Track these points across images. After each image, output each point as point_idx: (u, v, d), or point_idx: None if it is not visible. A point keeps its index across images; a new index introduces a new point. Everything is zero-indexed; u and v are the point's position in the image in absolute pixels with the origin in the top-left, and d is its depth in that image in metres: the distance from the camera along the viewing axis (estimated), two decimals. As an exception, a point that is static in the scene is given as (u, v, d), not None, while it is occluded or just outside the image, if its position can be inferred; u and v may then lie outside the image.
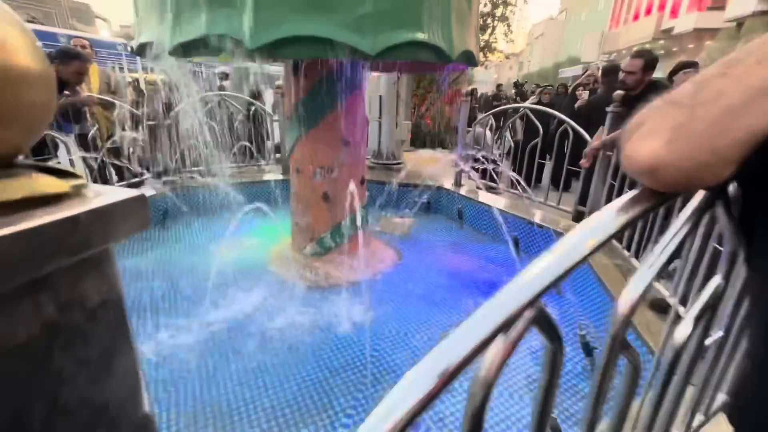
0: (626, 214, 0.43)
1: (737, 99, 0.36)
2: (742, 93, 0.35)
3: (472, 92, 4.00)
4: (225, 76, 5.93)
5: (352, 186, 2.29)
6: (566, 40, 32.47)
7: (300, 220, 2.62)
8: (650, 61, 2.49)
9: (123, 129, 2.81)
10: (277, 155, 4.13)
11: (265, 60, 1.60)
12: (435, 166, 4.54)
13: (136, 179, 3.07)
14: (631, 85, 2.52)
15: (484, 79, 18.82)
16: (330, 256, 2.58)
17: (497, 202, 3.21)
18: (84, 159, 2.43)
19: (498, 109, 3.76)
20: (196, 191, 3.15)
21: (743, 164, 0.37)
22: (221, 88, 5.23)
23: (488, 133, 4.01)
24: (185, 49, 1.54)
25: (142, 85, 4.41)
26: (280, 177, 3.66)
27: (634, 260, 2.12)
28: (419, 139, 6.71)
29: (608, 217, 0.43)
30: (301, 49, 1.51)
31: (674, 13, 17.33)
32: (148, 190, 3.00)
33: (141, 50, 1.70)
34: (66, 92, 2.54)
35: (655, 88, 2.62)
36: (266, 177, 3.62)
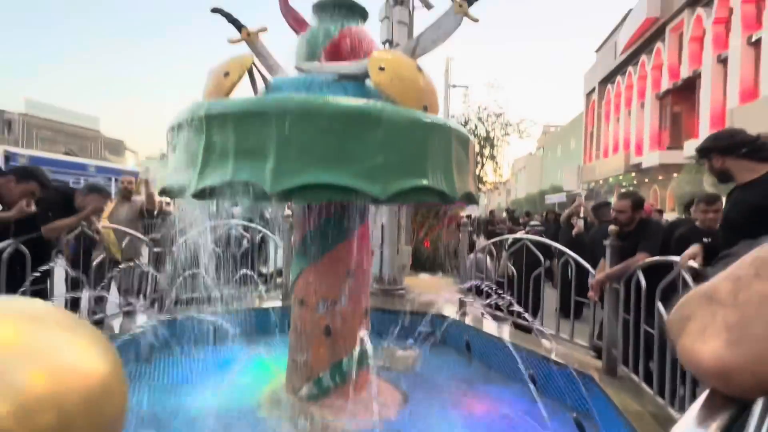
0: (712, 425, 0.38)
1: None
2: None
3: (469, 217, 4.23)
4: (236, 203, 6.32)
5: (363, 332, 2.19)
6: (546, 171, 36.14)
7: (298, 356, 2.43)
8: (637, 201, 2.70)
9: (129, 259, 2.84)
10: (278, 279, 4.10)
11: (282, 202, 1.70)
12: (437, 291, 4.47)
13: (128, 308, 2.96)
14: (624, 223, 2.67)
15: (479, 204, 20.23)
16: (328, 399, 2.31)
17: (505, 332, 3.05)
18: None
19: (498, 238, 3.89)
20: (190, 321, 3.01)
21: None
22: (231, 215, 5.52)
23: (488, 260, 4.07)
24: (209, 193, 1.65)
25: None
26: (279, 304, 3.55)
27: (670, 409, 1.89)
28: (419, 263, 6.79)
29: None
30: (318, 195, 1.62)
31: (639, 150, 19.67)
32: (136, 321, 2.88)
33: (167, 192, 1.81)
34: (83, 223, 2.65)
35: (648, 224, 2.78)
36: (265, 305, 3.51)
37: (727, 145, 1.93)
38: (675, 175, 15.72)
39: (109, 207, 3.26)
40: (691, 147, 15.14)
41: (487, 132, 8.57)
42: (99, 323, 2.84)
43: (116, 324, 2.97)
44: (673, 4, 16.75)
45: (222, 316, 2.93)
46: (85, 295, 2.72)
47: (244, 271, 3.77)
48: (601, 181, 23.62)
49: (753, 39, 12.63)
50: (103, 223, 2.88)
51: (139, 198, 3.76)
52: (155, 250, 3.09)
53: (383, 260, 4.64)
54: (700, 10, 15.18)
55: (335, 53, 2.25)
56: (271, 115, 1.59)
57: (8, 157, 10.56)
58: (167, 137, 1.99)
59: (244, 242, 4.12)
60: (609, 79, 24.03)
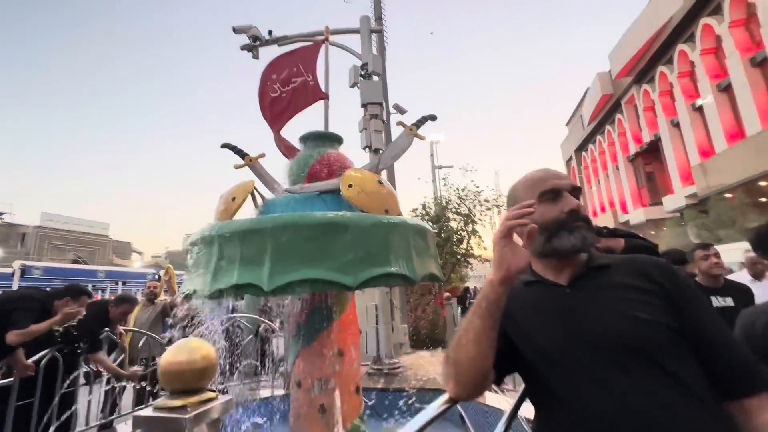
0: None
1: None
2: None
3: (466, 289, 4.60)
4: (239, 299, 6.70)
5: (337, 398, 2.48)
6: (544, 236, 36.60)
7: (298, 437, 2.64)
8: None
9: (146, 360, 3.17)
10: (281, 369, 4.31)
11: (277, 297, 2.15)
12: (434, 367, 4.63)
13: (144, 406, 3.20)
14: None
15: (476, 274, 20.42)
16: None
17: (497, 400, 3.24)
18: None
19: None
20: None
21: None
22: (234, 309, 5.87)
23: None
24: (219, 293, 2.12)
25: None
26: (282, 392, 3.75)
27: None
28: (419, 341, 6.92)
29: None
30: (304, 287, 2.08)
31: (624, 208, 20.53)
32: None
33: (188, 296, 2.28)
34: (107, 328, 3.05)
35: None
36: (267, 393, 3.71)
37: None
38: (665, 228, 16.27)
39: (135, 311, 3.67)
40: (669, 202, 15.96)
41: (469, 209, 9.36)
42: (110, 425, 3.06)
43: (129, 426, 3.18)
44: (623, 83, 19.07)
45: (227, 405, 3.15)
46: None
47: (249, 361, 4.03)
48: (596, 241, 24.06)
49: (696, 105, 14.23)
50: (128, 326, 3.27)
51: (161, 300, 4.16)
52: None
53: (379, 339, 4.88)
54: (645, 86, 17.27)
55: (317, 174, 2.90)
56: (266, 231, 2.13)
57: (24, 270, 11.14)
58: (188, 251, 2.52)
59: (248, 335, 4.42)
60: (582, 147, 26.03)
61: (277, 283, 2.03)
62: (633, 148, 19.14)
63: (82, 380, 3.03)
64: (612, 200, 22.07)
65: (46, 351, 2.69)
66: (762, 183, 11.13)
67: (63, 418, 2.70)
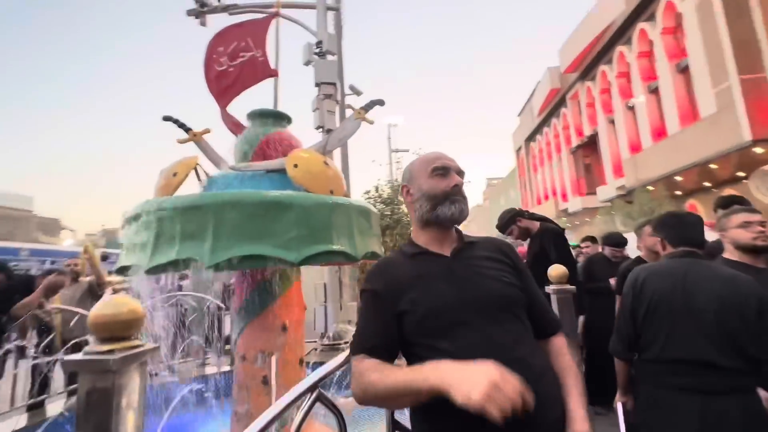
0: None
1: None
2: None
3: None
4: (183, 276, 6.50)
5: (274, 363, 2.60)
6: (493, 221, 38.53)
7: (240, 408, 2.74)
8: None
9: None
10: (227, 347, 4.33)
11: (220, 272, 2.20)
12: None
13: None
14: None
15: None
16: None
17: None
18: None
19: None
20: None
21: None
22: (180, 288, 5.71)
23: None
24: (159, 269, 2.12)
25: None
26: (227, 368, 3.79)
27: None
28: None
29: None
30: (246, 263, 2.14)
31: (564, 197, 22.14)
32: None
33: (122, 270, 2.25)
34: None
35: None
36: (212, 370, 3.74)
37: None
38: (597, 216, 17.83)
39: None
40: (602, 192, 17.45)
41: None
42: (40, 404, 2.95)
43: (60, 405, 3.07)
44: (569, 78, 20.23)
45: (175, 383, 3.16)
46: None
47: (193, 338, 4.01)
48: (539, 227, 25.82)
49: (630, 104, 15.53)
50: (55, 305, 3.11)
51: (86, 278, 3.98)
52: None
53: (327, 316, 5.03)
54: (588, 83, 18.47)
55: (264, 152, 2.91)
56: (209, 207, 2.15)
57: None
58: (122, 225, 2.46)
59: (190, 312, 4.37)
60: (531, 137, 27.46)
61: (219, 259, 2.07)
62: (575, 141, 20.57)
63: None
64: (555, 189, 23.69)
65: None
66: (678, 178, 12.54)
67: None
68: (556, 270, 1.63)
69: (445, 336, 0.90)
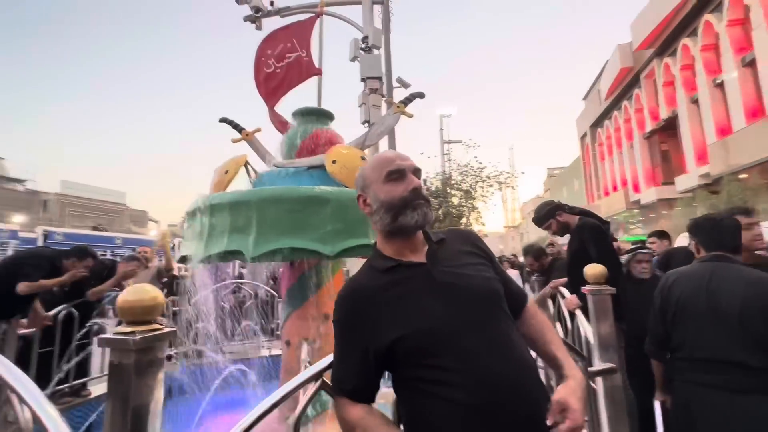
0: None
1: None
2: None
3: None
4: (244, 264, 7.04)
5: (305, 353, 2.72)
6: (554, 214, 36.31)
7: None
8: (536, 253, 3.47)
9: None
10: (278, 333, 4.63)
11: (263, 262, 2.36)
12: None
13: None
14: (539, 271, 3.40)
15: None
16: (311, 426, 2.77)
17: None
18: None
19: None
20: (201, 368, 3.55)
21: None
22: (240, 276, 6.20)
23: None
24: (211, 258, 2.33)
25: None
26: (278, 352, 4.07)
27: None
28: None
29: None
30: (286, 255, 2.28)
31: (636, 188, 20.16)
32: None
33: (183, 259, 2.51)
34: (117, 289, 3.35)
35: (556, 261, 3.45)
36: (264, 353, 4.04)
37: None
38: (677, 209, 16.04)
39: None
40: (682, 181, 15.64)
41: (470, 185, 9.42)
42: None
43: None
44: (643, 55, 18.23)
45: (228, 361, 3.47)
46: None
47: (248, 322, 4.35)
48: (607, 218, 23.87)
49: (717, 81, 13.63)
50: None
51: (155, 264, 4.46)
52: (173, 309, 3.73)
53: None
54: (667, 59, 16.50)
55: (306, 149, 3.04)
56: (253, 203, 2.31)
57: (46, 235, 11.75)
58: (184, 219, 2.73)
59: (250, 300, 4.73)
60: (598, 123, 25.28)
61: (261, 251, 2.23)
62: (649, 125, 18.56)
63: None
64: (624, 179, 21.64)
65: (62, 306, 3.00)
66: (779, 164, 10.83)
67: (72, 363, 3.04)
68: (593, 269, 1.50)
69: (442, 352, 0.84)
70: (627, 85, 20.50)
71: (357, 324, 0.91)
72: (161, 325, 0.80)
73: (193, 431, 2.79)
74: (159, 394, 0.78)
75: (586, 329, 1.46)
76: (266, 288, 4.77)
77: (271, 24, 6.22)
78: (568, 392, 0.82)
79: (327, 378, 0.96)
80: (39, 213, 32.82)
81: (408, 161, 0.99)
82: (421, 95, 3.10)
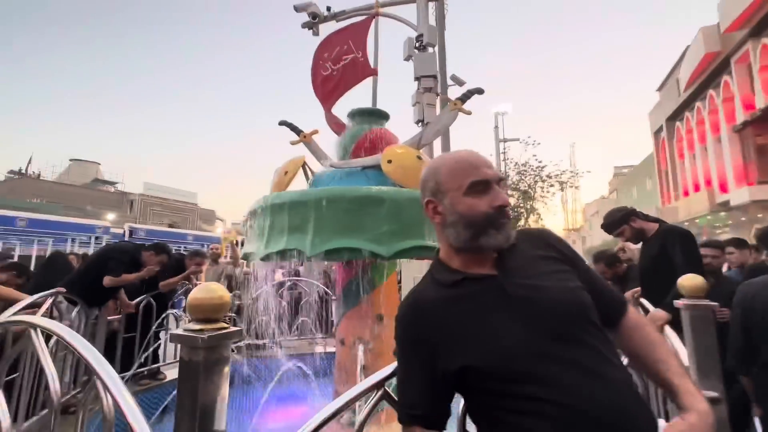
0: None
1: None
2: None
3: None
4: (300, 263, 7.30)
5: (361, 352, 2.69)
6: (622, 216, 33.35)
7: (341, 388, 2.96)
8: (609, 260, 3.17)
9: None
10: (334, 330, 4.73)
11: (321, 261, 2.39)
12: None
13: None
14: (613, 279, 3.10)
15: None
16: (367, 428, 2.77)
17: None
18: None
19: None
20: (261, 360, 3.72)
21: None
22: (297, 273, 6.44)
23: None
24: (270, 256, 2.41)
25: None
26: (332, 350, 4.14)
27: None
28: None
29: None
30: (342, 255, 2.29)
31: (724, 187, 17.84)
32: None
33: (246, 257, 2.63)
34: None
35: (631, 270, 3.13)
36: (319, 349, 4.13)
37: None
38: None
39: (205, 267, 4.31)
40: (785, 181, 13.54)
41: (529, 185, 8.91)
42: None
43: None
44: (734, 37, 16.08)
45: (285, 355, 3.60)
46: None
47: (304, 319, 4.49)
48: (686, 223, 21.43)
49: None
50: (199, 282, 3.86)
51: (224, 260, 4.79)
52: (236, 302, 3.96)
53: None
54: (765, 40, 14.40)
55: (361, 149, 3.05)
56: (310, 203, 2.35)
57: (132, 231, 13.18)
58: (246, 218, 2.87)
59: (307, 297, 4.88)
60: (676, 116, 22.78)
61: (318, 250, 2.26)
62: (741, 116, 16.30)
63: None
64: (709, 177, 19.24)
65: (143, 296, 3.31)
66: None
67: (151, 349, 3.35)
68: (690, 280, 1.29)
69: (526, 379, 0.73)
70: (713, 72, 18.21)
71: (422, 342, 0.82)
72: (227, 324, 0.80)
73: (255, 421, 2.92)
74: (225, 390, 0.78)
75: (679, 349, 1.27)
76: (321, 286, 4.90)
77: (329, 29, 6.38)
78: (685, 431, 0.68)
79: (388, 388, 0.91)
80: (126, 212, 36.99)
81: (493, 169, 0.86)
82: (479, 91, 2.97)
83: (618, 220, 2.46)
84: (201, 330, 0.74)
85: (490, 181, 0.84)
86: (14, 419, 2.05)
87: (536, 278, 0.81)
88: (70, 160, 43.82)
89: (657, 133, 25.98)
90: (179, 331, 0.76)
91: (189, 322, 0.80)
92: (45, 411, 2.35)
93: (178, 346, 0.78)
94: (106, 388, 0.88)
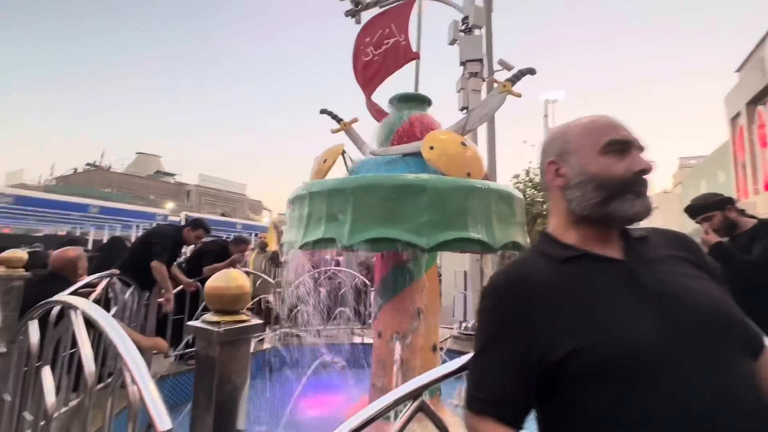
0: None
1: None
2: None
3: None
4: (340, 252, 7.37)
5: (398, 348, 2.58)
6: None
7: (377, 381, 2.90)
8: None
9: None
10: (372, 321, 4.70)
11: (358, 251, 2.32)
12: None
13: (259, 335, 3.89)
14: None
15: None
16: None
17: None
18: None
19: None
20: (299, 348, 3.77)
21: None
22: (337, 263, 6.49)
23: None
24: (309, 245, 2.38)
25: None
26: (369, 341, 4.11)
27: None
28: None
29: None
30: (380, 246, 2.20)
31: (817, 181, 15.59)
32: (265, 343, 3.74)
33: (287, 245, 2.62)
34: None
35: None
36: (356, 340, 4.11)
37: None
38: None
39: (253, 255, 4.44)
40: None
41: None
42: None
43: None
44: (839, 5, 13.82)
45: (323, 345, 3.62)
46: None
47: (343, 309, 4.50)
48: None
49: None
50: (248, 269, 3.97)
51: (270, 249, 4.92)
52: (277, 290, 4.03)
53: (467, 305, 4.88)
54: None
55: (403, 136, 2.93)
56: (348, 191, 2.27)
57: (188, 219, 14.14)
58: (287, 207, 2.86)
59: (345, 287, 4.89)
60: (759, 99, 20.17)
61: (355, 240, 2.18)
62: (844, 98, 14.07)
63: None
64: (798, 169, 16.91)
65: (192, 279, 3.45)
66: None
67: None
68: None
69: (641, 379, 0.60)
70: (808, 48, 15.85)
71: (521, 318, 0.69)
72: (248, 316, 0.72)
73: (291, 407, 2.95)
74: (244, 387, 0.70)
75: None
76: (360, 276, 4.87)
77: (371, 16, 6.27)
78: None
79: (426, 398, 0.80)
80: (184, 201, 39.78)
81: (634, 135, 0.74)
82: (531, 71, 2.73)
83: (712, 204, 2.22)
84: (218, 323, 0.67)
85: (631, 143, 0.73)
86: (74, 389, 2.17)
87: (676, 276, 0.70)
88: (137, 153, 47.82)
89: (734, 119, 23.20)
90: (195, 323, 0.69)
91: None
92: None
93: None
94: (132, 377, 0.85)
